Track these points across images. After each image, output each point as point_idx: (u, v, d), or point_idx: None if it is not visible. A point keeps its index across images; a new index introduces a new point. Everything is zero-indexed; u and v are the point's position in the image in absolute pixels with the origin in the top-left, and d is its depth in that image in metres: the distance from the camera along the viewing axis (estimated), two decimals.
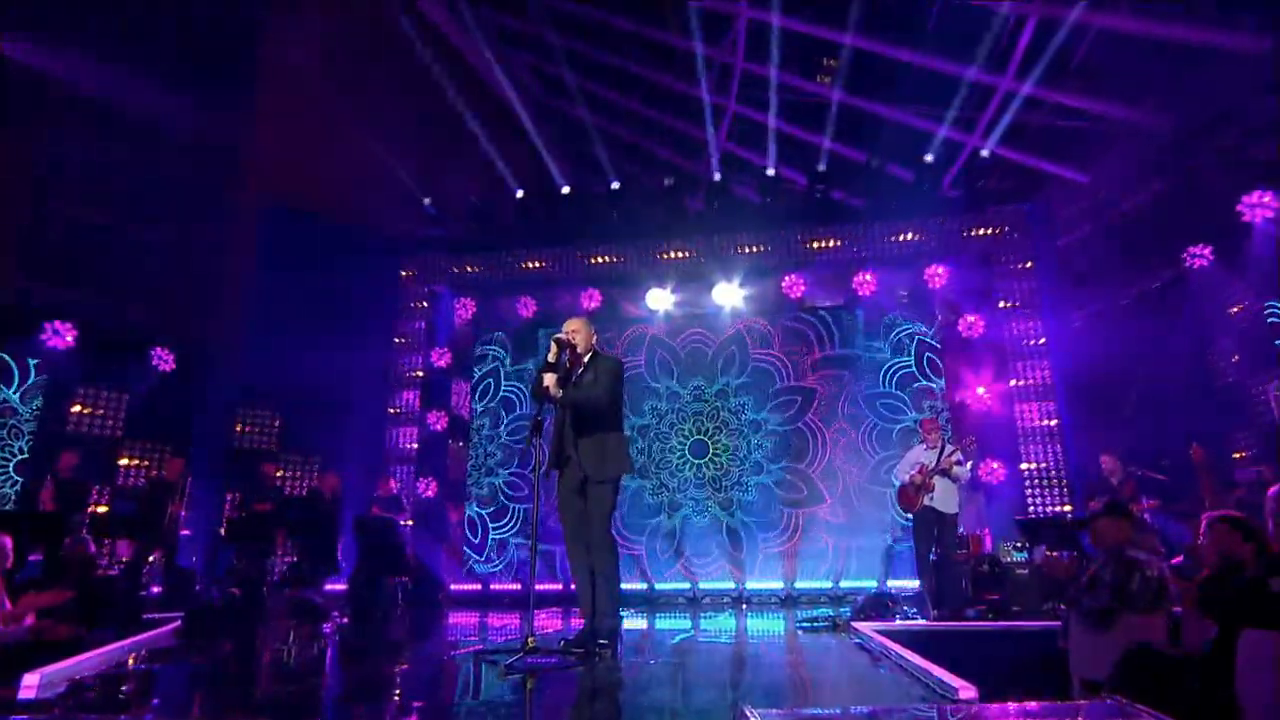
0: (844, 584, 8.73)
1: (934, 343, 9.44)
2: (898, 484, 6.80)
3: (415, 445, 9.52)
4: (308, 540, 7.23)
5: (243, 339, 8.75)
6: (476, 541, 9.85)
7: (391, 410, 9.68)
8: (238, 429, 8.98)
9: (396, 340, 9.93)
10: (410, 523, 9.05)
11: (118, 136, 7.96)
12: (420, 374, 9.81)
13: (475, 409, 10.29)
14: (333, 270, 8.98)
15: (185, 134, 8.26)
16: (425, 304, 10.05)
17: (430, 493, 9.50)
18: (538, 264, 9.84)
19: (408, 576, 8.11)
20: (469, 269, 10.06)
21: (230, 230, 9.04)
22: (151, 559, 6.96)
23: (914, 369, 9.44)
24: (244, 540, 6.86)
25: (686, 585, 9.06)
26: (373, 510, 7.90)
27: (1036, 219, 8.81)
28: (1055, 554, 6.82)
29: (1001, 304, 8.72)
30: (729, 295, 9.55)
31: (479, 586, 9.47)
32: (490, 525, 9.87)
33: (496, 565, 9.68)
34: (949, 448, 6.60)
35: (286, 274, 8.64)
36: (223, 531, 7.53)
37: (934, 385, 9.29)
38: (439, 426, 9.78)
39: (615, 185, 9.61)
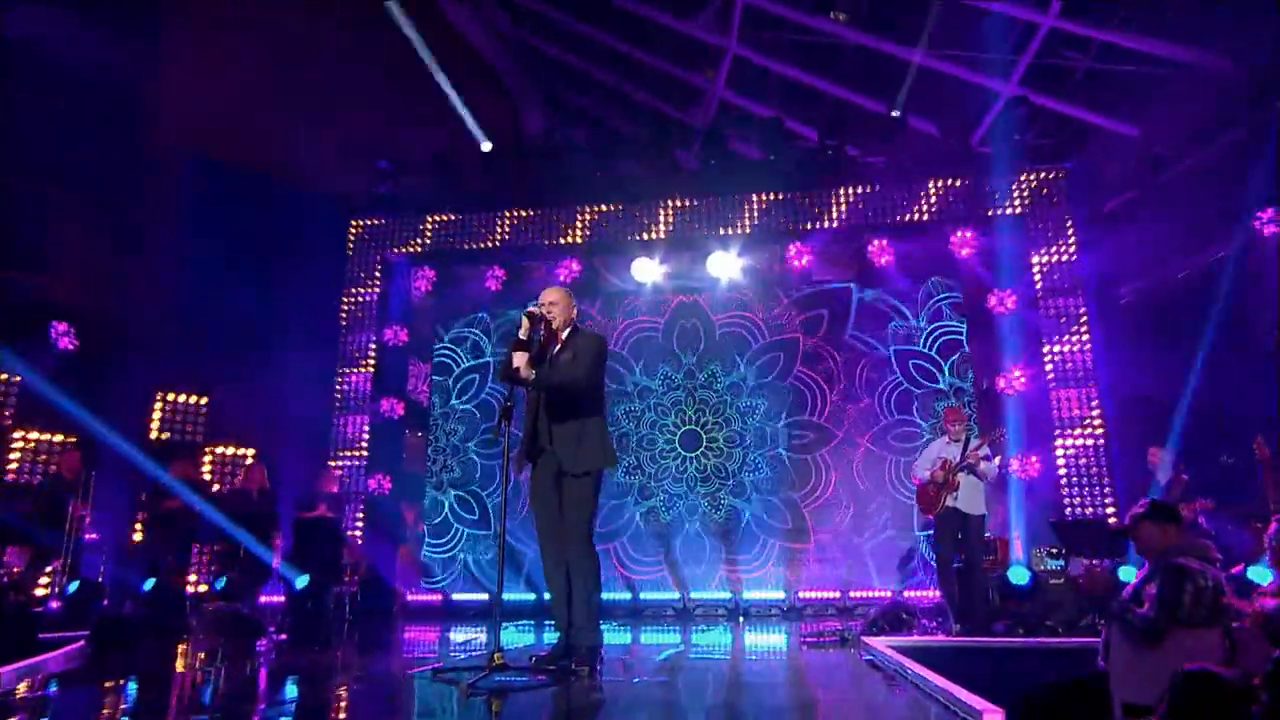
0: (854, 594, 8.83)
1: (958, 320, 9.48)
2: (915, 482, 6.81)
3: (366, 435, 9.45)
4: (235, 545, 7.11)
5: (162, 312, 8.57)
6: (442, 542, 9.87)
7: (338, 395, 9.60)
8: (156, 416, 8.82)
9: (344, 315, 9.84)
10: (358, 530, 9.00)
11: (3, 72, 7.66)
12: (372, 353, 9.74)
13: (435, 396, 10.29)
14: (269, 234, 8.81)
15: (90, 70, 7.96)
16: (378, 273, 9.96)
17: (384, 490, 9.46)
18: (508, 229, 9.79)
19: (356, 585, 8.10)
20: (428, 234, 9.96)
21: (146, 185, 8.77)
22: (50, 569, 6.80)
23: (931, 352, 9.49)
24: (155, 543, 6.73)
25: (676, 595, 9.15)
26: (319, 509, 7.84)
27: (1080, 179, 8.76)
28: (1095, 563, 6.87)
29: (1038, 276, 8.69)
30: (725, 266, 9.52)
31: (439, 596, 9.50)
32: (458, 518, 9.91)
33: (447, 577, 9.69)
34: (974, 441, 6.62)
35: (214, 237, 8.42)
36: (136, 536, 7.39)
37: (945, 374, 9.34)
38: (394, 414, 9.73)
39: (595, 138, 9.78)
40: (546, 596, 4.33)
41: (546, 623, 7.30)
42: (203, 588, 7.97)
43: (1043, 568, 7.41)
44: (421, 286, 10.12)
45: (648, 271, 9.66)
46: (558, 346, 4.25)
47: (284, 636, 6.44)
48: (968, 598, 6.37)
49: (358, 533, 9.04)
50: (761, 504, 9.41)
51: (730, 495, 9.46)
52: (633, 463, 9.62)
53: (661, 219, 9.58)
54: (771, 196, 9.39)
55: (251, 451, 9.05)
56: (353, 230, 10.04)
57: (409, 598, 9.39)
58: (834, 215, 9.23)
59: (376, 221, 10.06)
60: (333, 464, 9.18)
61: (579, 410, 4.13)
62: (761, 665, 5.09)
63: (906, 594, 8.49)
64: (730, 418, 9.60)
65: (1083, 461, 8.20)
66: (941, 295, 9.52)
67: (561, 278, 9.75)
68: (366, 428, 9.47)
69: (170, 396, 8.89)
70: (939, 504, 6.48)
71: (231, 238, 8.51)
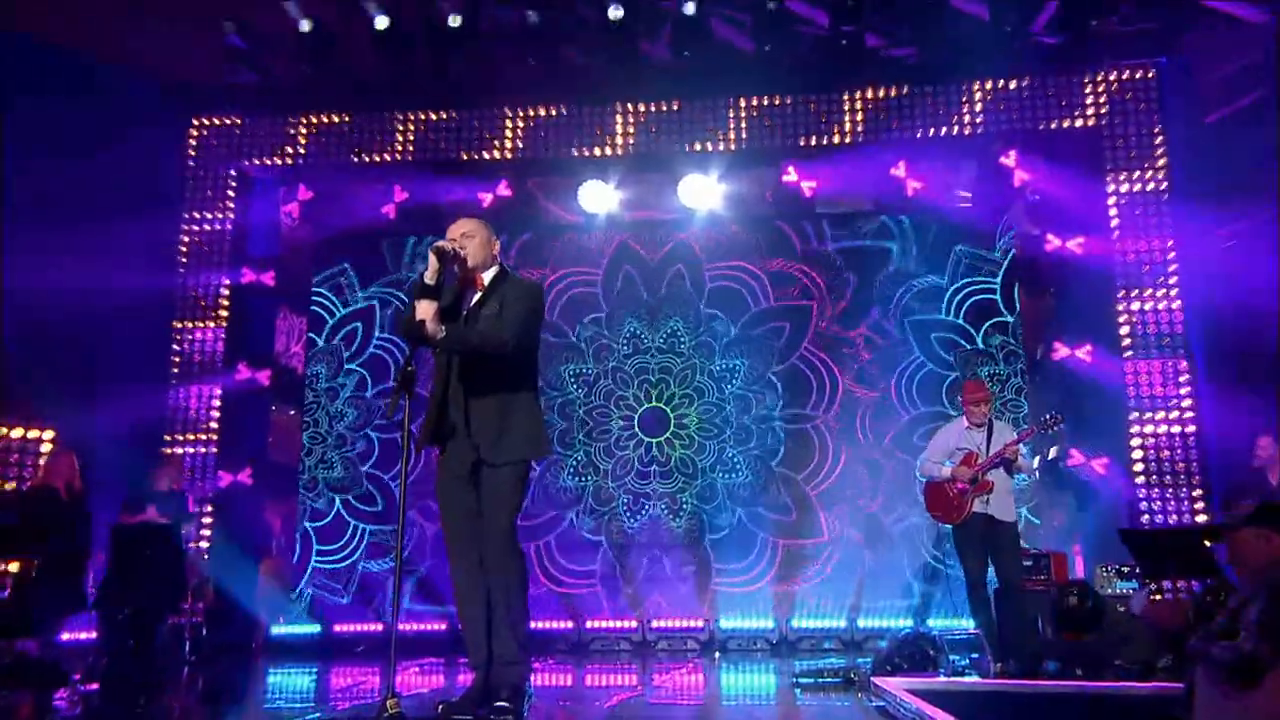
0: (864, 622, 8.98)
1: (1011, 268, 9.52)
2: (923, 479, 6.90)
3: (216, 412, 9.24)
4: (32, 561, 6.90)
5: None
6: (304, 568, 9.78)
7: (177, 358, 9.35)
8: None
9: (185, 249, 9.55)
10: (206, 535, 8.79)
11: None
12: (225, 302, 9.48)
13: (314, 358, 10.18)
14: (76, 133, 8.43)
15: None
16: (231, 193, 9.65)
17: (242, 486, 9.33)
18: (412, 135, 9.61)
19: (200, 614, 8.01)
20: (301, 139, 9.66)
21: None
22: None
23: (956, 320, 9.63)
24: None
25: (633, 622, 9.26)
26: (147, 513, 7.65)
27: (1175, 81, 8.70)
28: (1161, 590, 6.94)
29: (1114, 211, 8.64)
30: (703, 192, 9.47)
31: (318, 628, 9.49)
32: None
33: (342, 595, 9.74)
34: (999, 425, 6.72)
35: None
36: None
37: (985, 344, 9.43)
38: (256, 384, 9.58)
39: (532, 18, 9.22)
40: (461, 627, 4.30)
41: (459, 659, 7.27)
42: None
43: (1110, 590, 7.45)
44: (293, 211, 9.81)
45: (600, 198, 9.57)
46: (477, 295, 4.23)
47: (95, 686, 6.23)
48: (1011, 629, 6.44)
49: (204, 544, 8.88)
50: (744, 504, 9.54)
51: (705, 491, 9.58)
52: (580, 458, 9.72)
53: (619, 129, 9.46)
54: (766, 101, 9.30)
55: (49, 435, 8.64)
56: (195, 132, 9.70)
57: (275, 630, 9.28)
58: (847, 127, 9.15)
59: (229, 121, 9.71)
60: (170, 451, 9.00)
61: (504, 381, 4.12)
62: (741, 714, 5.15)
63: (931, 623, 8.58)
64: (714, 411, 9.70)
65: (1166, 454, 8.22)
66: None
67: (485, 204, 9.59)
68: (216, 402, 9.26)
69: None
70: (965, 511, 6.53)
71: (20, 137, 8.11)
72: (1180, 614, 6.55)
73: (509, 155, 9.53)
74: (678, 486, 9.62)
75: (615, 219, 9.85)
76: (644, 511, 9.62)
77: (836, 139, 9.19)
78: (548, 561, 9.60)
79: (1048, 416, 6.93)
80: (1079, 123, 8.81)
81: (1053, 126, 8.84)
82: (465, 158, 9.56)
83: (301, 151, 9.69)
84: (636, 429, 9.78)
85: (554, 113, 9.51)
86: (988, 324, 9.52)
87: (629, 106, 9.45)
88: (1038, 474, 6.88)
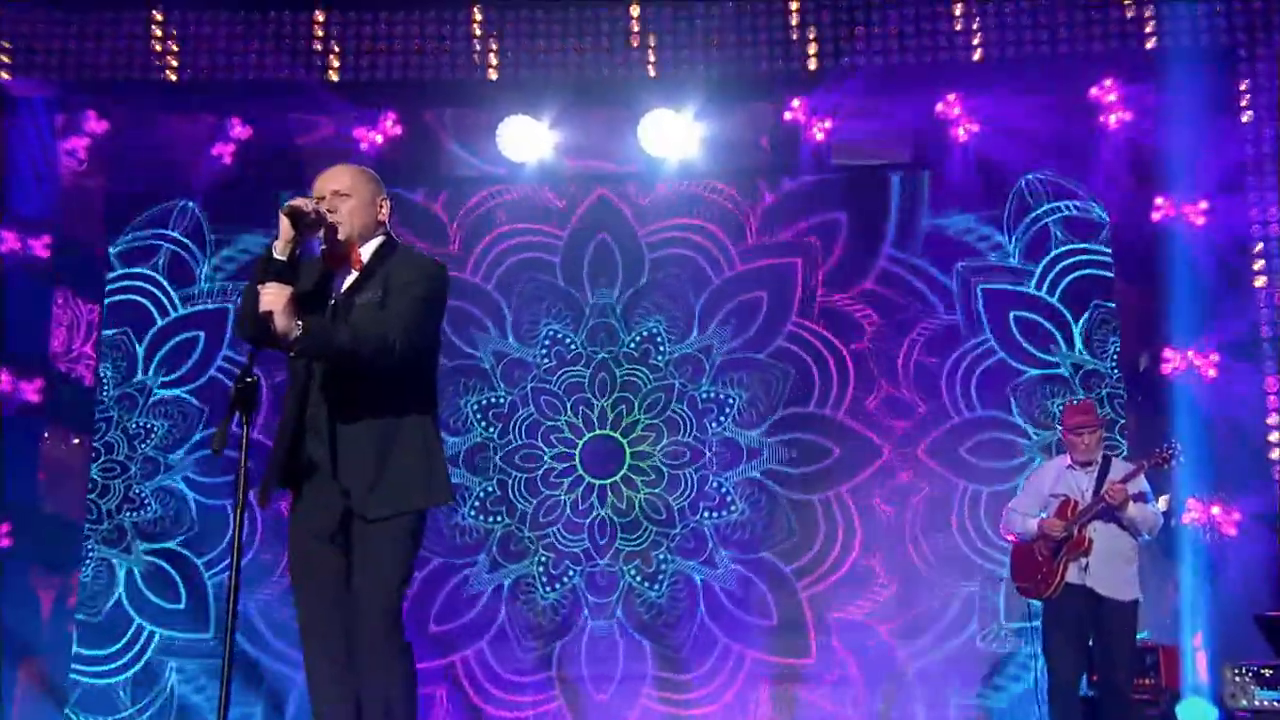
0: None
1: (1098, 247, 9.41)
2: (1010, 539, 7.11)
3: None
4: None
5: None
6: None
7: None
8: None
9: None
10: None
11: None
12: None
13: (109, 363, 9.78)
14: None
15: None
16: None
17: None
18: (258, 43, 9.17)
19: None
20: (89, 45, 9.16)
21: None
22: None
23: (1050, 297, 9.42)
24: None
25: None
26: None
27: None
28: None
29: (1248, 165, 8.47)
30: (674, 135, 9.30)
31: None
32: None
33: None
34: (1120, 465, 6.76)
35: None
36: None
37: (1076, 341, 9.36)
38: (21, 399, 9.13)
39: None
40: None
41: None
42: None
43: (1245, 704, 7.24)
44: (78, 150, 9.36)
45: (530, 141, 9.29)
46: (352, 276, 4.11)
47: None
48: None
49: None
50: (728, 577, 9.33)
51: (672, 559, 9.36)
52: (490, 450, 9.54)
53: (556, 45, 9.20)
54: (762, 6, 9.02)
55: None
56: None
57: None
58: (872, 43, 8.90)
59: None
60: None
61: (386, 399, 4.01)
62: None
63: None
64: (688, 435, 9.65)
65: None
66: (1047, 205, 9.44)
67: (363, 146, 9.25)
68: None
69: None
70: (1054, 580, 6.55)
71: None
72: None
73: (398, 75, 9.15)
74: (641, 541, 9.39)
75: (550, 169, 9.60)
76: (591, 579, 9.40)
77: (857, 62, 8.88)
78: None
79: (1161, 450, 6.75)
80: (1203, 40, 8.53)
81: (1166, 46, 8.55)
82: (336, 79, 9.14)
83: (90, 62, 9.18)
84: (579, 468, 9.54)
85: (461, 16, 9.15)
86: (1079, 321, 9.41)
87: (568, 12, 9.14)
88: (1158, 523, 6.69)
